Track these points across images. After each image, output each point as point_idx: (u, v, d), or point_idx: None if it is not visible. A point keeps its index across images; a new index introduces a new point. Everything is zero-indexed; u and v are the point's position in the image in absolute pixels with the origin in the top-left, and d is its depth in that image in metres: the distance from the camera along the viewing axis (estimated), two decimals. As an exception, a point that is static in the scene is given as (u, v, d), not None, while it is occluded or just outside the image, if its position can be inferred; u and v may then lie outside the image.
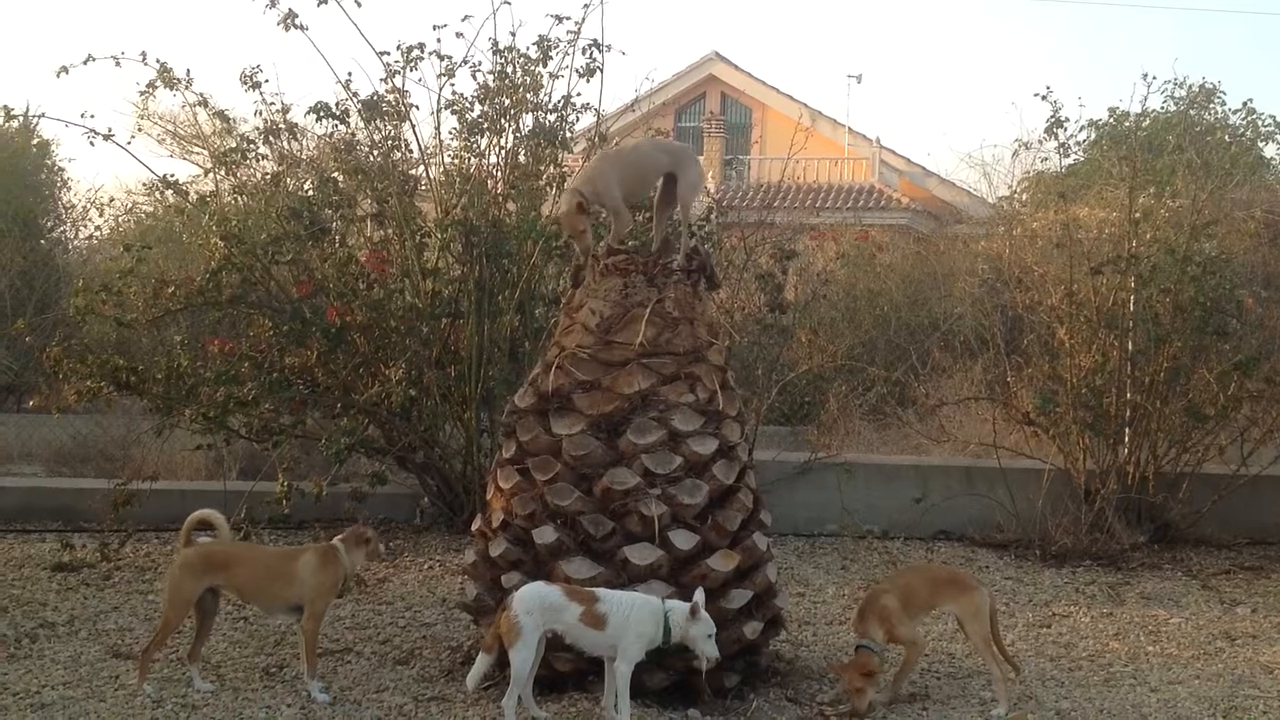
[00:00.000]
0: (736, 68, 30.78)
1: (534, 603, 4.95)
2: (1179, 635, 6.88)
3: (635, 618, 4.94)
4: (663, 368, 5.66)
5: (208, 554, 5.55)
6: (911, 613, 5.63)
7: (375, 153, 8.98)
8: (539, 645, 4.95)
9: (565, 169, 9.08)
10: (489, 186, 8.85)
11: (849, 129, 29.66)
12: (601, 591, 5.06)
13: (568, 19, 8.74)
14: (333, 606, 6.94)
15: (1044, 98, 9.82)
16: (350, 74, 8.84)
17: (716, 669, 5.32)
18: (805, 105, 25.97)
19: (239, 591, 5.61)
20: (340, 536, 5.55)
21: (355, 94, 8.84)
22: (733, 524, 5.61)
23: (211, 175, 9.70)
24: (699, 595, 5.01)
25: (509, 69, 8.80)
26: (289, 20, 8.48)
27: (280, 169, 9.22)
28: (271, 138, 9.02)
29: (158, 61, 8.55)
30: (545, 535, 5.47)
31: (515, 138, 8.94)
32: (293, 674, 5.73)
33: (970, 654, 6.20)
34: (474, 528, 5.96)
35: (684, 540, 5.45)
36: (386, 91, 8.83)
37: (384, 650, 6.18)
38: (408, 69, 8.74)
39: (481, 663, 5.05)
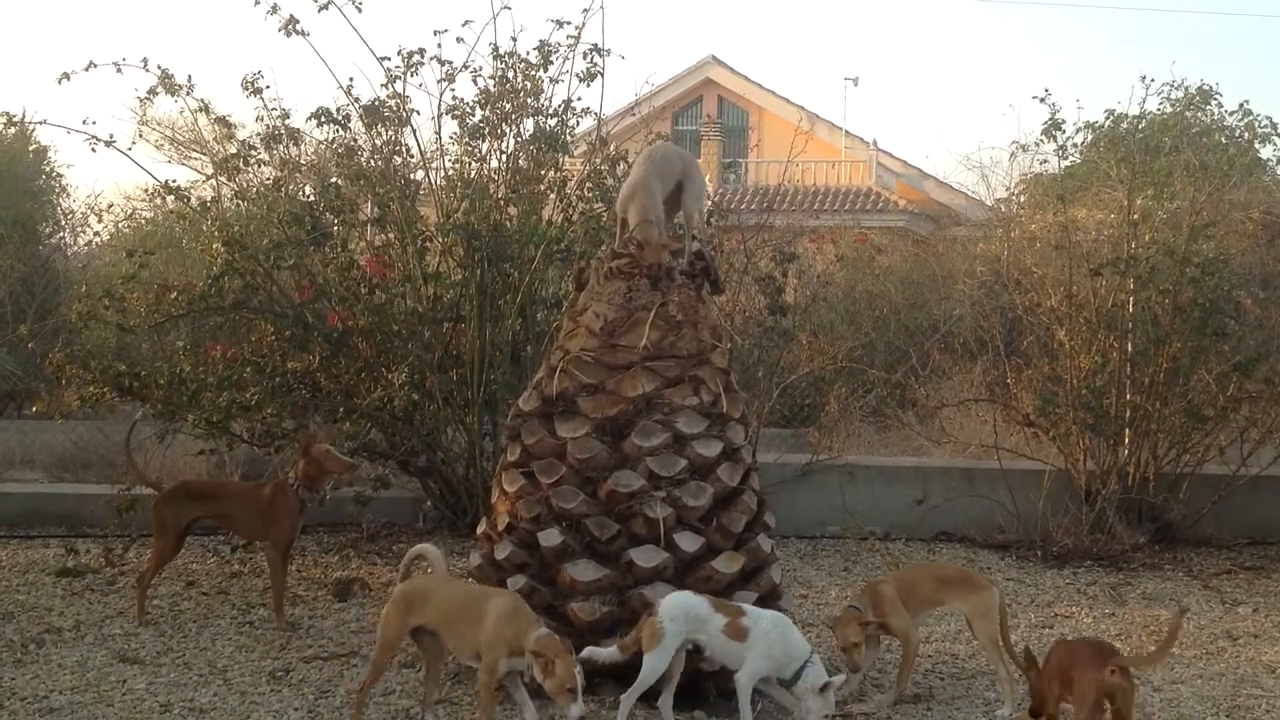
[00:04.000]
0: (733, 71, 30.85)
1: (679, 610, 4.96)
2: (1181, 635, 6.90)
3: (773, 636, 4.98)
4: (667, 371, 5.69)
5: (410, 590, 5.17)
6: (915, 608, 5.65)
7: (376, 158, 8.99)
8: (679, 655, 4.97)
9: (566, 173, 9.11)
10: (490, 191, 8.87)
11: (846, 132, 29.73)
12: (747, 606, 5.13)
13: (568, 23, 8.76)
14: (336, 610, 7.03)
15: (1042, 100, 9.87)
16: (351, 79, 8.85)
17: (722, 670, 5.35)
18: (802, 108, 25.97)
19: (437, 632, 5.07)
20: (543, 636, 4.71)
21: (356, 99, 8.84)
22: (737, 526, 5.63)
23: (213, 181, 9.71)
24: (838, 679, 5.03)
25: (510, 74, 8.82)
26: (290, 26, 8.49)
27: (281, 174, 9.23)
28: (273, 143, 9.04)
29: (159, 67, 8.56)
30: (550, 538, 5.50)
31: (516, 142, 8.94)
32: (299, 677, 5.75)
33: (974, 654, 6.23)
34: (479, 531, 5.98)
35: (689, 542, 5.48)
36: (388, 97, 8.84)
37: (389, 654, 6.19)
38: (408, 74, 8.74)
39: (609, 654, 5.04)
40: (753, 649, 4.95)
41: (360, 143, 9.09)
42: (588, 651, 5.03)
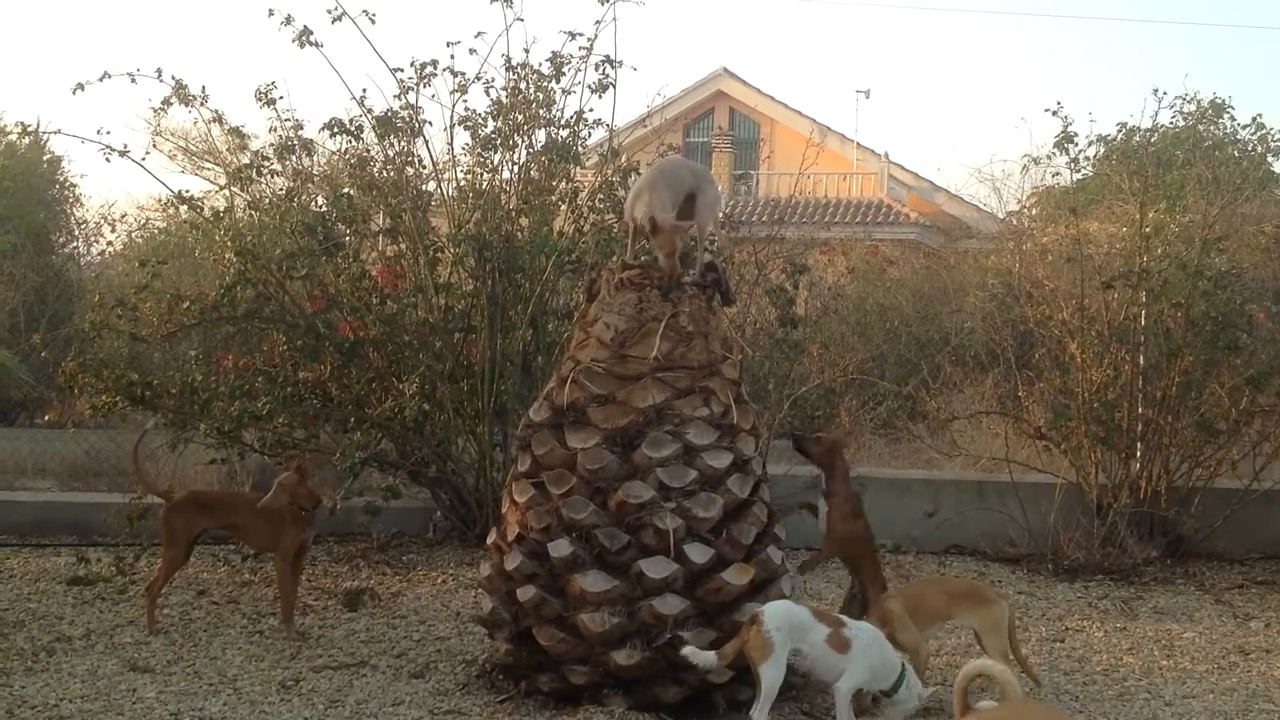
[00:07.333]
0: (745, 83, 30.83)
1: (784, 619, 5.01)
2: (1193, 649, 6.88)
3: (874, 649, 5.06)
4: (677, 381, 5.69)
5: None
6: (922, 621, 5.65)
7: (389, 168, 9.03)
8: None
9: (577, 184, 9.13)
10: (502, 202, 8.90)
11: (857, 144, 29.69)
12: (845, 618, 5.22)
13: (580, 35, 8.80)
14: (346, 620, 7.03)
15: (1055, 113, 9.84)
16: (365, 90, 8.90)
17: (731, 683, 5.35)
18: (814, 121, 25.95)
19: None
20: None
21: (369, 110, 8.89)
22: (747, 538, 5.63)
23: (226, 191, 9.75)
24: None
25: (522, 85, 8.85)
26: (304, 37, 8.54)
27: (294, 185, 9.27)
28: (286, 153, 9.07)
29: (173, 78, 8.62)
30: (560, 548, 5.49)
31: (528, 153, 8.98)
32: (309, 687, 5.75)
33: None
34: (489, 541, 5.97)
35: (699, 554, 5.47)
36: (400, 107, 8.88)
37: (399, 664, 6.20)
38: (421, 85, 8.79)
39: (707, 660, 5.08)
40: (854, 661, 5.01)
41: (373, 153, 9.14)
42: (687, 650, 5.09)
